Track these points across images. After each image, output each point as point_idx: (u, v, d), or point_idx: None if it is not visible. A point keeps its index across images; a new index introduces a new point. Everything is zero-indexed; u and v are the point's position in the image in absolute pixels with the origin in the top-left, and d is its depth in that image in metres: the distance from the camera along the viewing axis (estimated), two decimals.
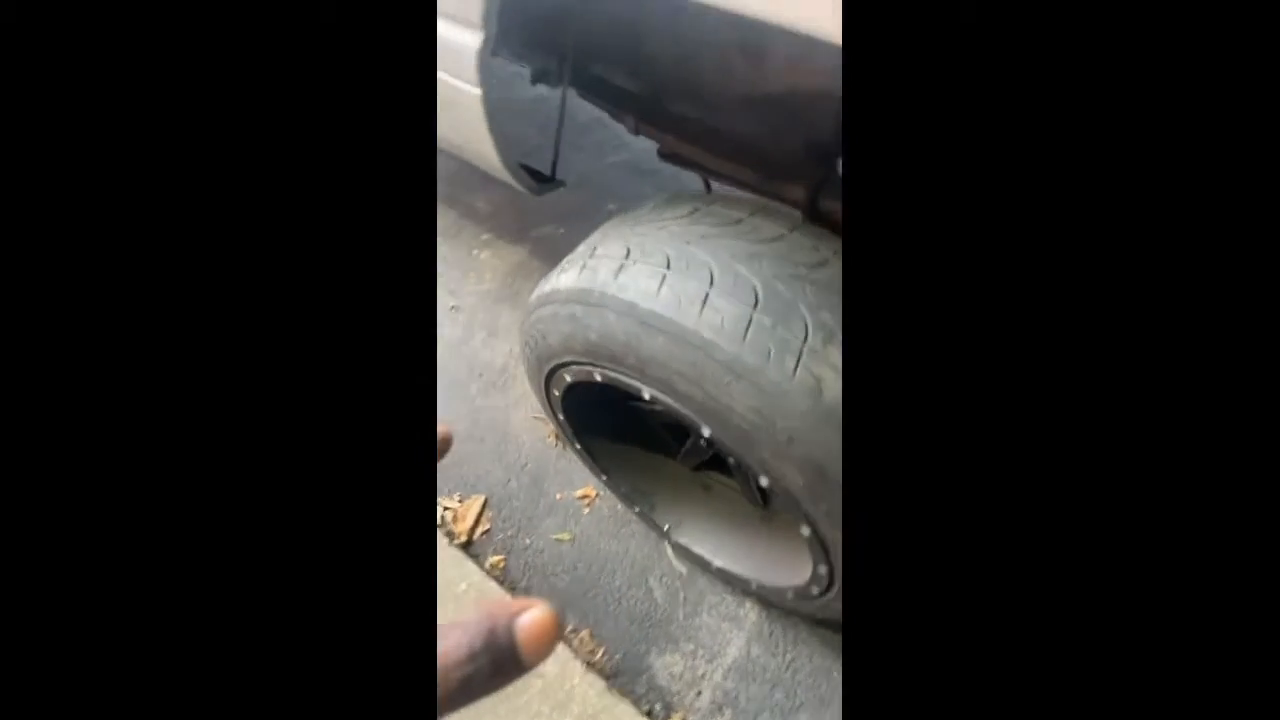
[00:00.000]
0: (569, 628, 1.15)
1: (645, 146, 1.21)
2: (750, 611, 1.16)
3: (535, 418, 1.41)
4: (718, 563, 1.09)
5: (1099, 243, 0.26)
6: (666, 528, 1.14)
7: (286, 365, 0.26)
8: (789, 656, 1.12)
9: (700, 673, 1.11)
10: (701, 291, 0.72)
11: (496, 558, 1.23)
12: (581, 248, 0.87)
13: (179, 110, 0.26)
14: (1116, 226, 0.26)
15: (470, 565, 1.14)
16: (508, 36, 1.12)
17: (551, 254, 1.70)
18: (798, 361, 0.68)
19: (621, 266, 0.78)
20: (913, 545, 0.27)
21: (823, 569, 0.85)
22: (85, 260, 0.25)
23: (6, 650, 0.22)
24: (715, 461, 1.04)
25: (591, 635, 1.15)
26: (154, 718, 0.23)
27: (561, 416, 1.05)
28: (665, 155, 1.13)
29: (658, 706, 1.07)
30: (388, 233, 0.27)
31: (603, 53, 1.11)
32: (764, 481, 0.77)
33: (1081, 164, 0.27)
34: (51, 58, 0.25)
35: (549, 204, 1.58)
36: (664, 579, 1.19)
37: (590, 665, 1.08)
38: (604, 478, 1.17)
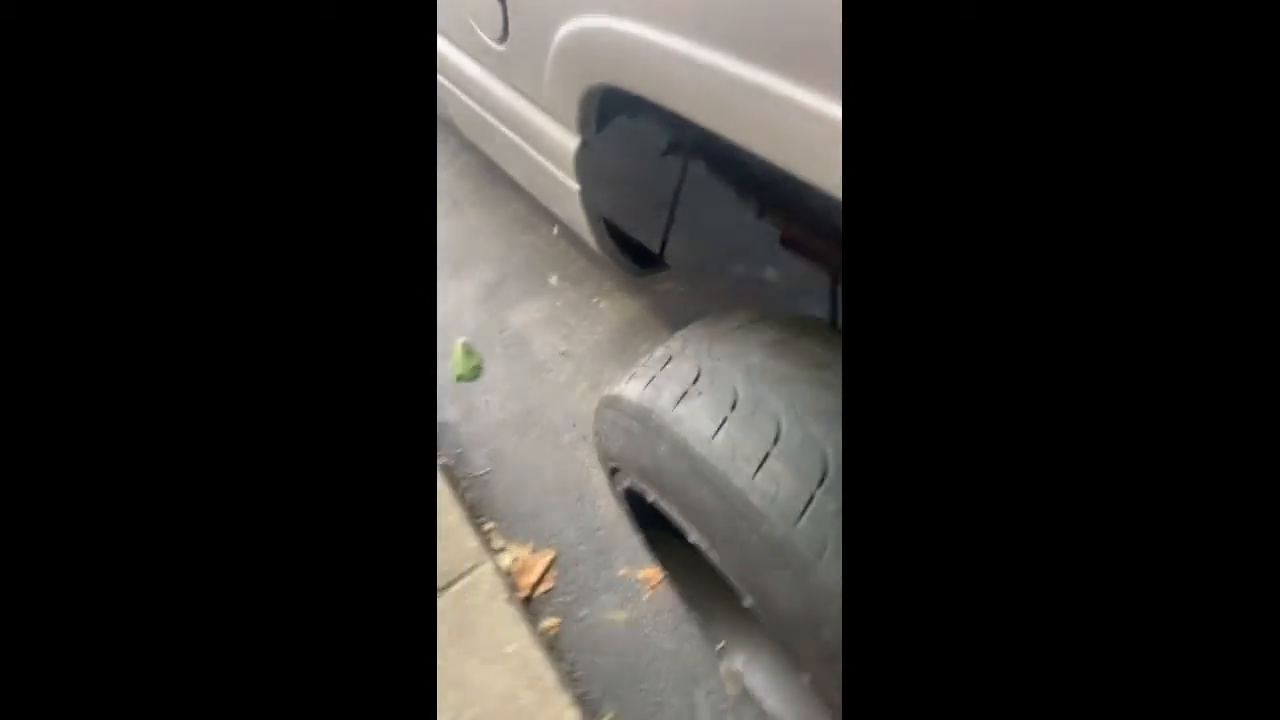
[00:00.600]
0: (607, 716, 1.10)
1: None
2: None
3: None
4: (769, 703, 0.98)
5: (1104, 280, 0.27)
6: (720, 647, 1.04)
7: (284, 364, 0.26)
8: None
9: None
10: (762, 449, 0.63)
11: (551, 621, 1.22)
12: (658, 352, 0.81)
13: (181, 112, 0.26)
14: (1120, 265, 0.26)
15: (523, 628, 1.14)
16: (631, 105, 1.09)
17: (668, 312, 1.66)
18: (808, 507, 0.56)
19: (685, 394, 0.71)
20: (913, 577, 0.27)
21: None
22: (91, 256, 0.25)
23: (7, 649, 0.23)
24: None
25: None
26: (149, 714, 0.24)
27: (626, 506, 1.00)
28: (786, 242, 1.03)
29: None
30: (388, 241, 0.27)
31: None
32: (805, 678, 0.66)
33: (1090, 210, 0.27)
34: (52, 58, 0.25)
35: None
36: (710, 696, 1.10)
37: None
38: (664, 573, 1.10)
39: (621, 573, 1.25)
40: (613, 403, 0.81)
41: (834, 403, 0.65)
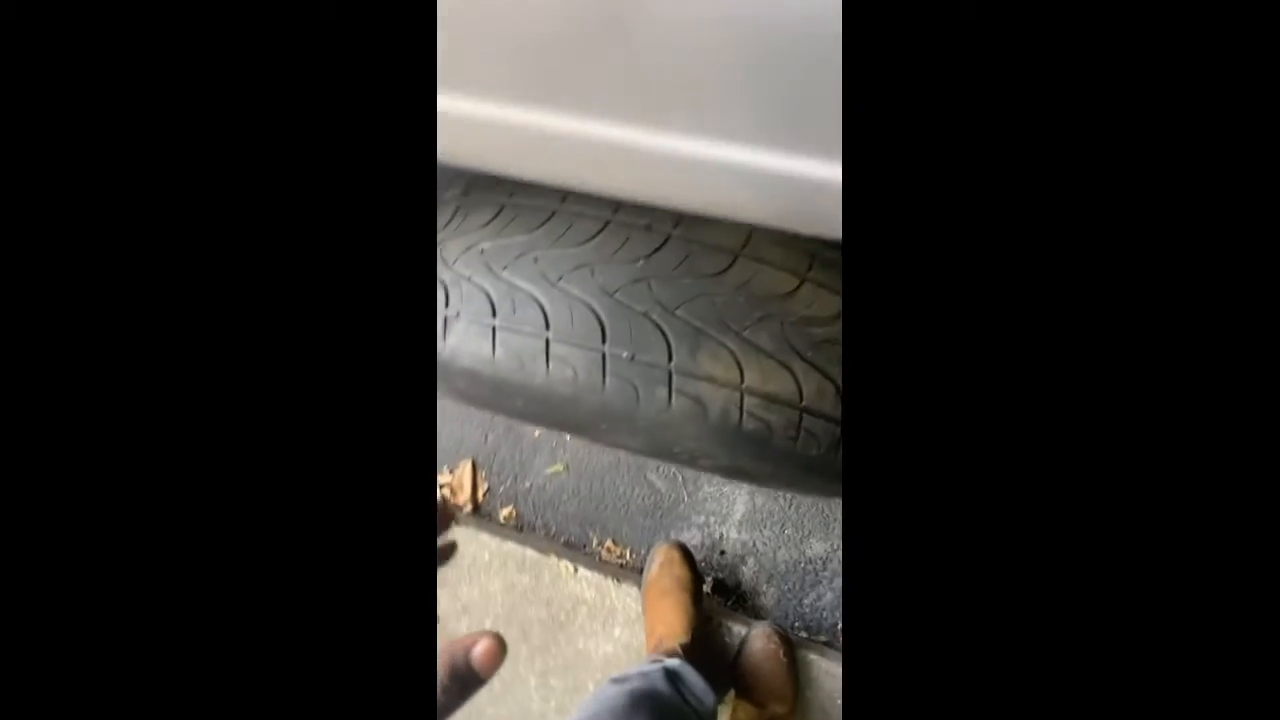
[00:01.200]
0: (594, 542, 1.26)
1: None
2: None
3: None
4: None
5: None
6: None
7: (285, 364, 0.27)
8: (789, 496, 1.21)
9: (717, 535, 1.23)
10: (539, 342, 0.61)
11: (506, 510, 1.31)
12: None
13: (183, 114, 0.26)
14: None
15: (485, 536, 1.22)
16: None
17: None
18: (670, 390, 0.59)
19: (446, 321, 0.65)
20: (913, 565, 0.27)
21: None
22: (85, 266, 0.25)
23: (7, 650, 0.24)
24: None
25: (615, 543, 1.26)
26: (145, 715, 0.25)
27: None
28: None
29: None
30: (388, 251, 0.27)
31: None
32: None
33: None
34: (52, 57, 0.25)
35: None
36: (660, 469, 1.25)
37: (621, 571, 1.21)
38: None
39: (537, 434, 1.31)
40: None
41: (576, 253, 0.62)
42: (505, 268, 0.63)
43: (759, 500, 1.21)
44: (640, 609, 1.12)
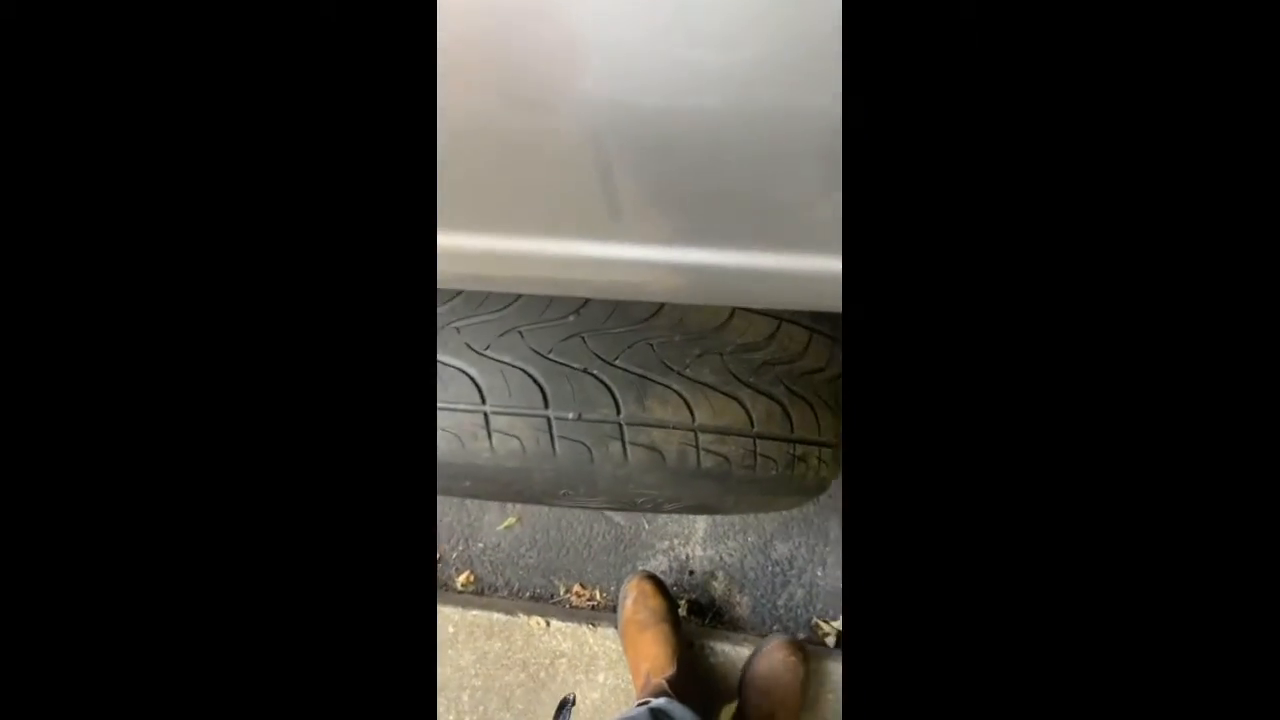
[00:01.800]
0: (561, 590, 1.22)
1: None
2: None
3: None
4: None
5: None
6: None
7: (283, 365, 0.26)
8: None
9: (683, 557, 1.22)
10: (479, 418, 0.57)
11: (463, 576, 1.24)
12: None
13: (185, 115, 0.26)
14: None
15: (447, 609, 1.15)
16: None
17: None
18: (623, 443, 0.58)
19: None
20: (913, 564, 0.27)
21: None
22: (86, 265, 0.25)
23: (7, 650, 0.24)
24: None
25: (583, 586, 1.23)
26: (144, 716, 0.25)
27: None
28: None
29: None
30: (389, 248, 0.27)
31: None
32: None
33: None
34: (52, 57, 0.25)
35: None
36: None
37: (595, 613, 1.17)
38: None
39: None
40: None
41: (499, 318, 0.59)
42: (439, 350, 0.60)
43: (717, 517, 1.22)
44: (621, 649, 1.10)
